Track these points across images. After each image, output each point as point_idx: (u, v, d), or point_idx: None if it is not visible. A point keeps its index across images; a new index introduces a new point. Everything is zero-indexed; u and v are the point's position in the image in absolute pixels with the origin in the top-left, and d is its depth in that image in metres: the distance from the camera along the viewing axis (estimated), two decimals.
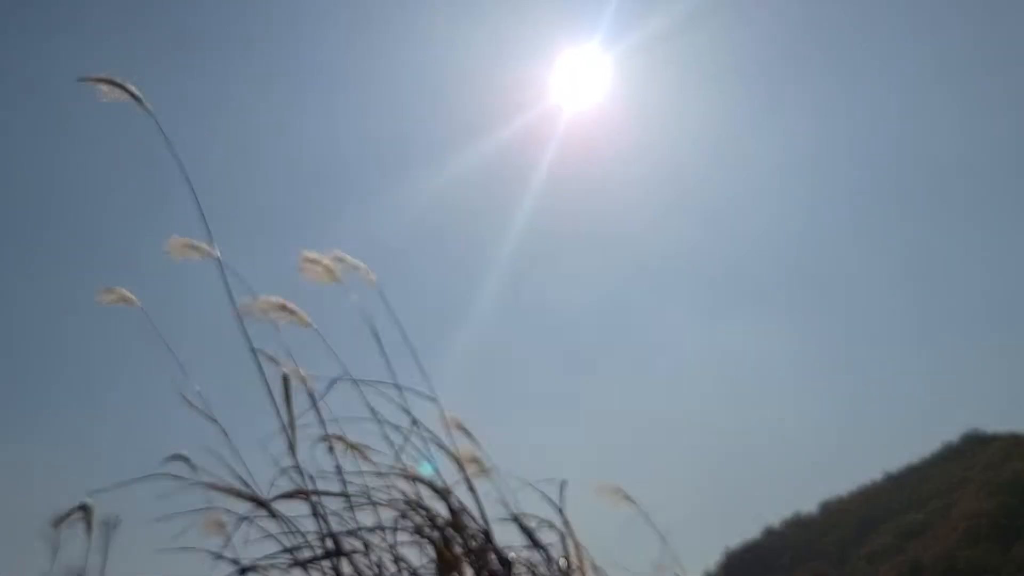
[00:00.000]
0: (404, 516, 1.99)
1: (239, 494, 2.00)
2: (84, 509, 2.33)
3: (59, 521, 2.33)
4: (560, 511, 2.11)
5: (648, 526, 2.28)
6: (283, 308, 2.01)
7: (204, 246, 2.03)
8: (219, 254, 2.03)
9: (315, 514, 1.98)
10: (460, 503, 2.03)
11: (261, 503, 2.00)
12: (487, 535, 2.01)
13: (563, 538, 2.11)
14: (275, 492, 2.02)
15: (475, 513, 2.04)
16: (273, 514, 1.99)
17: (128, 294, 2.08)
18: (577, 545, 2.11)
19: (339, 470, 2.04)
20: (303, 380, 2.04)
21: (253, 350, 2.01)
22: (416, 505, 2.00)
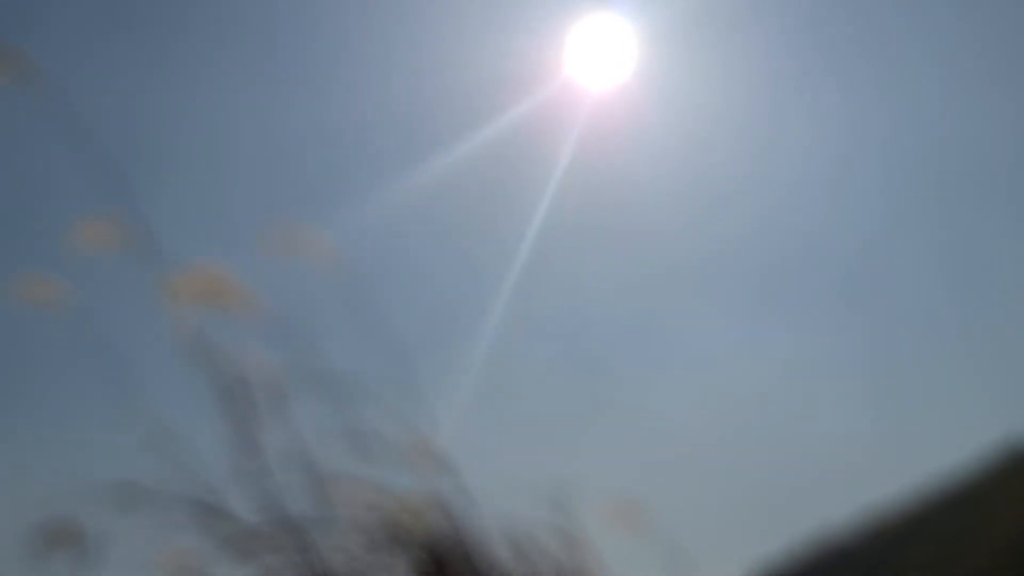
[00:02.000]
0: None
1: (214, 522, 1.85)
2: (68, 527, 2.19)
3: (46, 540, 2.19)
4: (566, 523, 1.97)
5: (670, 542, 2.13)
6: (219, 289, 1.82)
7: (122, 231, 1.87)
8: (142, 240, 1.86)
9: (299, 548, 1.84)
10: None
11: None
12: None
13: (570, 552, 1.96)
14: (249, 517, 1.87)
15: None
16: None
17: (60, 288, 1.91)
18: (586, 560, 1.96)
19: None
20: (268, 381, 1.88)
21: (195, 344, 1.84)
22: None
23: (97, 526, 1.98)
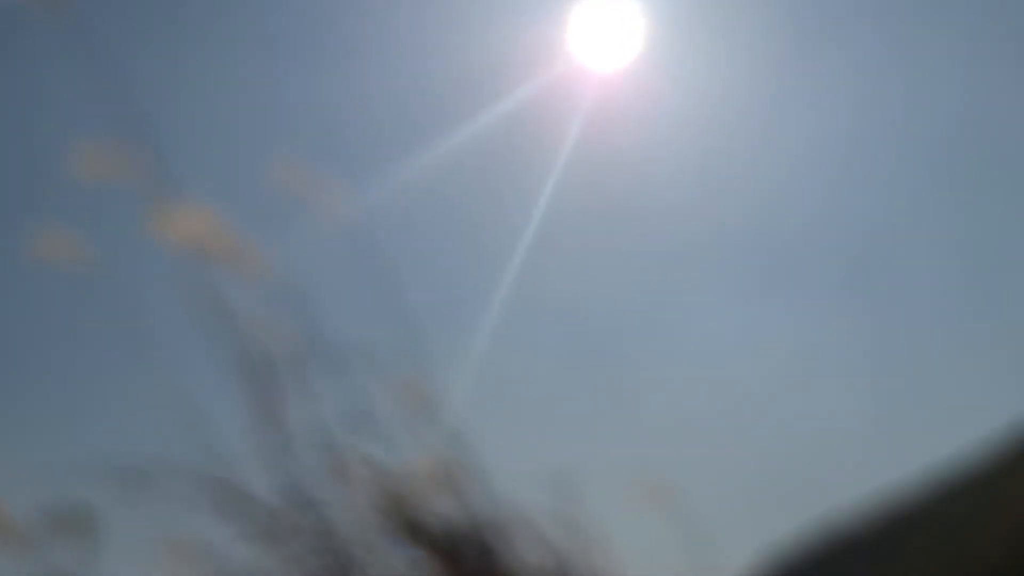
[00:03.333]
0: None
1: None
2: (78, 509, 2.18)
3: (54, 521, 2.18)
4: (573, 506, 1.94)
5: (684, 527, 2.11)
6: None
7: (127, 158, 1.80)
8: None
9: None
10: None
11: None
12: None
13: (577, 538, 1.94)
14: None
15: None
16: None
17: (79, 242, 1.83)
18: (596, 545, 1.94)
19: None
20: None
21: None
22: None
23: (108, 506, 1.96)
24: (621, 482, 2.15)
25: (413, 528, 1.79)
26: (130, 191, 1.81)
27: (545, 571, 1.85)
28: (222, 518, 1.81)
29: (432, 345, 1.96)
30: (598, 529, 1.98)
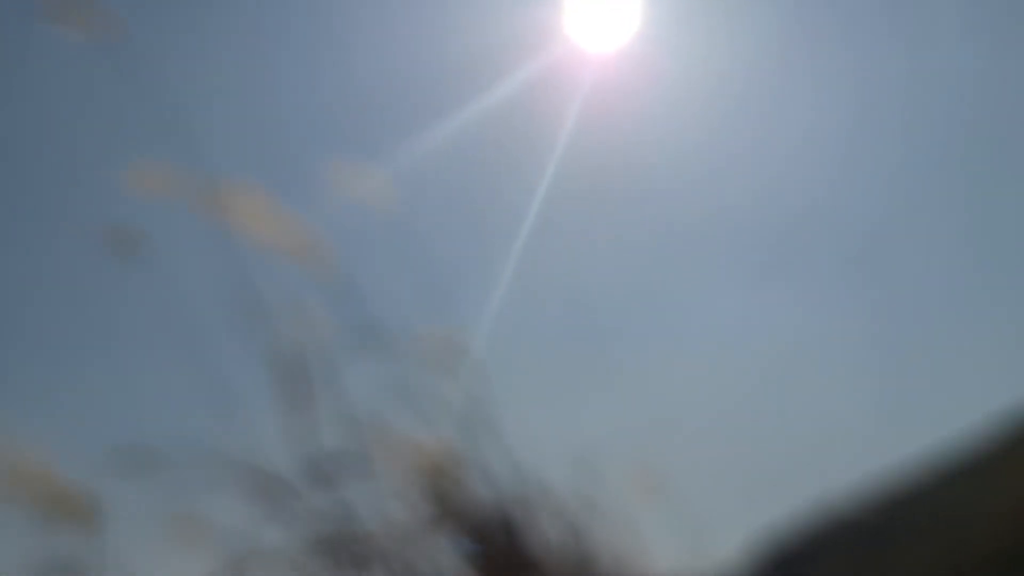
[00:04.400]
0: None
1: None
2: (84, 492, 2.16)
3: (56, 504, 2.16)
4: (593, 487, 1.94)
5: (678, 510, 2.11)
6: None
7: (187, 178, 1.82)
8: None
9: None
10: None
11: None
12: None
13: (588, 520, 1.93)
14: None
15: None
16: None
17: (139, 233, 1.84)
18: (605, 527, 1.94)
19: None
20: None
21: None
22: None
23: (124, 488, 1.95)
24: (618, 469, 2.15)
25: (441, 507, 1.78)
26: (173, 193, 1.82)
27: (566, 549, 1.85)
28: (247, 499, 1.80)
29: (454, 319, 1.95)
30: (616, 510, 1.98)
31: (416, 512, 1.80)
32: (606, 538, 1.93)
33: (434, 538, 1.80)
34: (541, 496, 1.90)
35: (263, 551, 1.78)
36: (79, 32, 1.91)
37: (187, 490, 1.83)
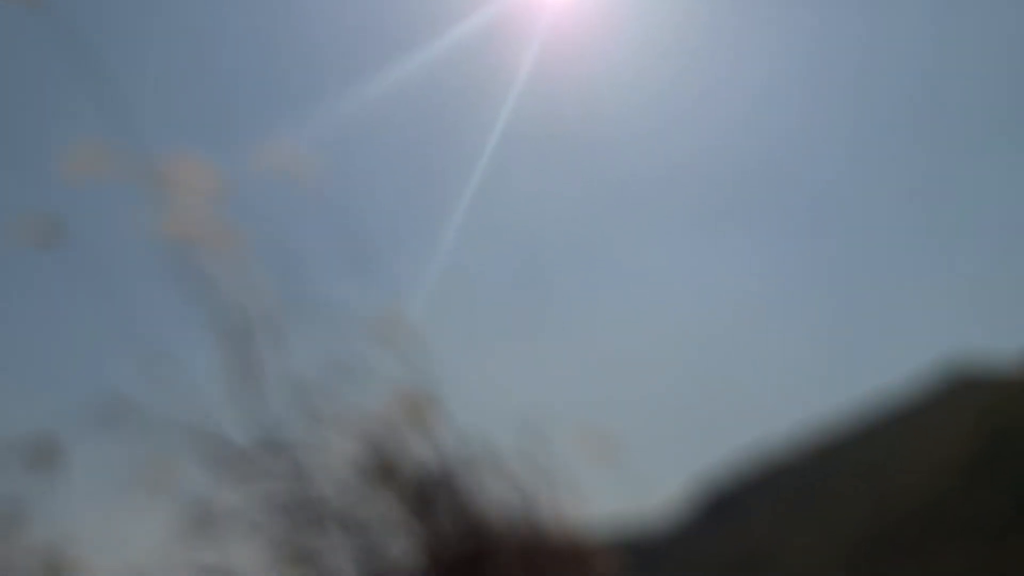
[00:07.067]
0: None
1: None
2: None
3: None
4: (538, 446, 1.99)
5: (622, 460, 2.17)
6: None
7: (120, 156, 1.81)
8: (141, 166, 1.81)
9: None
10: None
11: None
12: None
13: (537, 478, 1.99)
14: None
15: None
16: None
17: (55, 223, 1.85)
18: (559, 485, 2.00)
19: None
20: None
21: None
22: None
23: (78, 441, 1.97)
24: (564, 426, 2.20)
25: (385, 469, 1.83)
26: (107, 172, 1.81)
27: (512, 510, 1.91)
28: (196, 460, 1.83)
29: (391, 281, 1.98)
30: (561, 469, 2.04)
31: (365, 476, 1.85)
32: (552, 498, 1.99)
33: (384, 500, 1.85)
34: (487, 457, 1.95)
35: (220, 512, 1.83)
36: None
37: (145, 447, 1.86)
